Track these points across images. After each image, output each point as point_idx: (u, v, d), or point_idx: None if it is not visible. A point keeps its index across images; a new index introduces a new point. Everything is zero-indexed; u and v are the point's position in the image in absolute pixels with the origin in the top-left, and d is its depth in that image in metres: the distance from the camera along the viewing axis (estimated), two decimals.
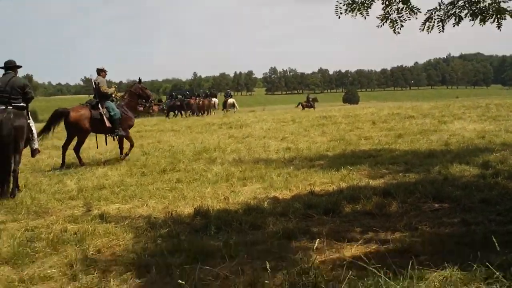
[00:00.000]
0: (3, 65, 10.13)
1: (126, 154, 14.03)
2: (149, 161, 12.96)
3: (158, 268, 5.01)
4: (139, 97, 15.01)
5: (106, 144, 14.63)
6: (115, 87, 14.87)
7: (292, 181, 9.43)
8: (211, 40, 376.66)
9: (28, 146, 10.36)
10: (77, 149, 13.55)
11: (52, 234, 6.52)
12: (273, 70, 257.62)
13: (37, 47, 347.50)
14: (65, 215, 7.77)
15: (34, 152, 10.56)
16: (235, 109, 45.97)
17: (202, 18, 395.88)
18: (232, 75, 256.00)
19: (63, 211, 8.12)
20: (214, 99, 45.95)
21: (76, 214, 7.74)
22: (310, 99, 53.62)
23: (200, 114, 43.18)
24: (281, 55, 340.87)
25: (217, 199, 8.31)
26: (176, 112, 44.25)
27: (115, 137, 14.12)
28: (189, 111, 43.44)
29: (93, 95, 14.31)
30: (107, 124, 13.74)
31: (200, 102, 44.31)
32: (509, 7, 8.81)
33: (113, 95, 14.37)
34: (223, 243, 5.83)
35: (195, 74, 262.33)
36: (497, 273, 3.84)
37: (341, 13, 9.57)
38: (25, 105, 10.01)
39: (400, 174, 9.60)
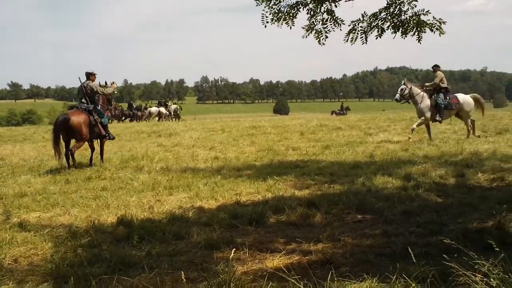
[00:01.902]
0: None
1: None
2: (74, 169, 12.63)
3: (76, 278, 4.87)
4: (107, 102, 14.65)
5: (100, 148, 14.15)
6: (114, 84, 14.45)
7: (218, 191, 9.41)
8: (144, 46, 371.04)
9: None
10: (72, 153, 12.90)
11: None
12: (205, 79, 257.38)
13: None
14: None
15: None
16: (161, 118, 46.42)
17: (137, 22, 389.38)
18: (163, 83, 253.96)
19: None
20: (152, 109, 46.96)
21: None
22: (344, 107, 55.13)
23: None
24: (213, 63, 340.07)
25: (141, 208, 8.19)
26: None
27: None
28: None
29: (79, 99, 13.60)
30: (102, 130, 13.51)
31: None
32: (428, 19, 9.10)
33: (114, 93, 14.04)
34: (145, 253, 5.75)
35: (125, 81, 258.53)
36: (413, 285, 3.92)
37: (267, 22, 9.66)
38: None
39: (325, 185, 9.74)
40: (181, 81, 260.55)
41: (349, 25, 9.65)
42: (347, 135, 19.77)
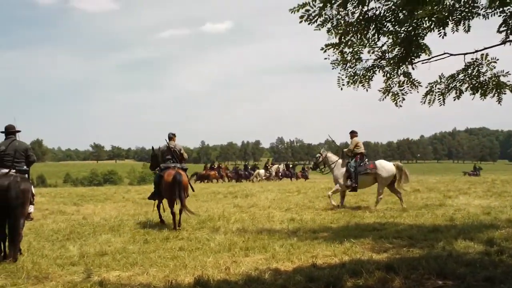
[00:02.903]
0: (3, 130, 10.41)
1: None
2: (153, 229, 12.92)
3: None
4: None
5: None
6: None
7: (294, 253, 9.36)
8: (219, 107, 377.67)
9: None
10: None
11: None
12: (280, 140, 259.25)
13: (47, 112, 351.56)
14: (64, 281, 7.72)
15: (28, 216, 10.55)
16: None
17: (212, 83, 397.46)
18: (239, 144, 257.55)
19: (63, 277, 8.06)
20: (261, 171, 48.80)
21: (75, 281, 7.70)
22: (477, 168, 55.45)
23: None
24: (288, 125, 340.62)
25: (218, 269, 8.24)
26: None
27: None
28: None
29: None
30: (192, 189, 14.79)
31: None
32: (508, 81, 8.96)
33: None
34: None
35: (202, 142, 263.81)
36: None
37: (343, 85, 9.79)
38: (27, 168, 10.21)
39: (404, 248, 9.51)
40: (257, 142, 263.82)
41: (426, 87, 9.63)
42: (425, 197, 19.31)
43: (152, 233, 12.18)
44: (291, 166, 55.14)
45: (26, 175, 10.19)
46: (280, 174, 50.18)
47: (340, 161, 17.83)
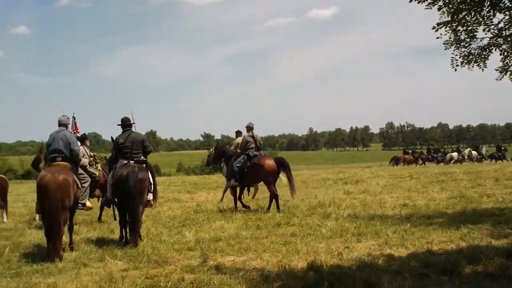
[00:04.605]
0: (120, 123, 10.94)
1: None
2: (264, 215, 13.08)
3: None
4: None
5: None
6: None
7: (408, 239, 9.17)
8: (325, 95, 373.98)
9: None
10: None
11: (170, 283, 6.75)
12: (390, 125, 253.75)
13: (159, 104, 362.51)
14: (183, 265, 7.99)
15: (146, 204, 10.96)
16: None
17: (316, 72, 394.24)
18: (348, 130, 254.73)
19: (181, 261, 8.36)
20: (454, 154, 48.74)
21: (193, 264, 7.94)
22: None
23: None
24: (398, 109, 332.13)
25: (330, 254, 8.22)
26: None
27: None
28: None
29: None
30: None
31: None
32: None
33: None
34: None
35: (310, 129, 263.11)
36: None
37: (457, 65, 9.42)
38: (145, 159, 10.63)
39: None
40: (366, 128, 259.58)
41: None
42: None
43: (263, 219, 12.33)
44: (503, 148, 53.71)
45: (144, 165, 10.62)
46: (480, 157, 49.37)
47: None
